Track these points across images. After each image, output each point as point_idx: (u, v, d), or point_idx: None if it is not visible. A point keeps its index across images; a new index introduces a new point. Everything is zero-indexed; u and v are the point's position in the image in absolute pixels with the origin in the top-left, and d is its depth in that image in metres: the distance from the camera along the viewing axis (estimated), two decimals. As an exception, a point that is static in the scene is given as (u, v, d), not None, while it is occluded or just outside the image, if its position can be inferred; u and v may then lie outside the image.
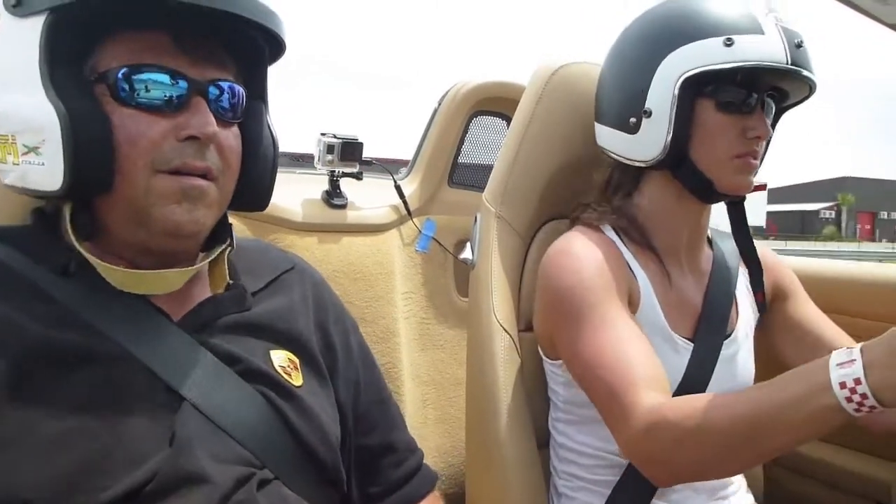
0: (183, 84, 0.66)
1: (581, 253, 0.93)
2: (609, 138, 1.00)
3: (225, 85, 0.70)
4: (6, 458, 0.57)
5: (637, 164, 0.97)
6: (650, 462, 0.80)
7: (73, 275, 0.66)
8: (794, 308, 1.09)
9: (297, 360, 0.75)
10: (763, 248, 1.09)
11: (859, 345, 0.67)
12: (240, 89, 0.72)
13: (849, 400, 0.64)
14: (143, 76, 0.65)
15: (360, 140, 1.46)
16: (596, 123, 1.03)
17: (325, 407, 0.76)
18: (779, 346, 1.09)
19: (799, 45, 0.87)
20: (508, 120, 1.57)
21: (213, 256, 0.74)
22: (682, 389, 0.94)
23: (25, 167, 0.64)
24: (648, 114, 0.92)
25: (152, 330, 0.67)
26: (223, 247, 0.75)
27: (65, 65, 0.64)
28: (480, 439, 1.07)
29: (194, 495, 0.61)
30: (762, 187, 0.99)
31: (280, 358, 0.74)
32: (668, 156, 0.92)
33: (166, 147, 0.65)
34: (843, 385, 0.64)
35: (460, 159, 1.62)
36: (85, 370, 0.62)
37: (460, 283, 1.58)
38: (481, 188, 1.18)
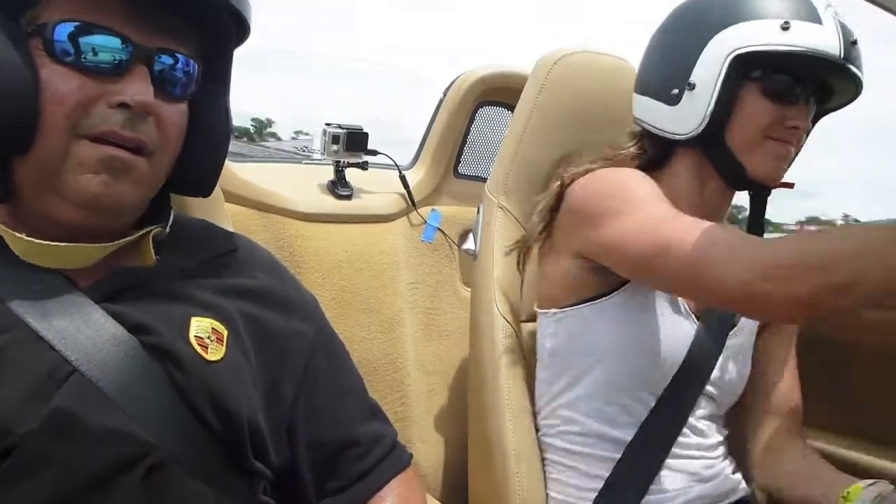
0: (125, 49, 0.62)
1: (613, 171, 0.94)
2: (646, 109, 0.99)
3: (175, 56, 0.66)
4: None
5: (672, 136, 0.95)
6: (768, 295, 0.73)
7: None
8: (771, 336, 1.07)
9: (223, 332, 0.69)
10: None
11: None
12: (193, 64, 0.68)
13: None
14: (84, 35, 0.61)
15: (364, 130, 1.47)
16: (634, 94, 1.02)
17: (245, 387, 0.69)
18: None
19: (854, 43, 0.87)
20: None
21: (135, 236, 0.69)
22: (688, 363, 0.94)
23: None
24: (692, 87, 0.91)
25: (54, 298, 0.63)
26: (152, 227, 0.70)
27: (1, 12, 0.61)
28: (481, 428, 1.08)
29: (59, 479, 0.56)
30: (790, 185, 0.97)
31: (201, 327, 0.68)
32: (703, 132, 0.91)
33: (94, 111, 0.62)
34: None
35: (465, 149, 1.62)
36: None
37: (466, 274, 1.58)
38: (487, 179, 1.18)
